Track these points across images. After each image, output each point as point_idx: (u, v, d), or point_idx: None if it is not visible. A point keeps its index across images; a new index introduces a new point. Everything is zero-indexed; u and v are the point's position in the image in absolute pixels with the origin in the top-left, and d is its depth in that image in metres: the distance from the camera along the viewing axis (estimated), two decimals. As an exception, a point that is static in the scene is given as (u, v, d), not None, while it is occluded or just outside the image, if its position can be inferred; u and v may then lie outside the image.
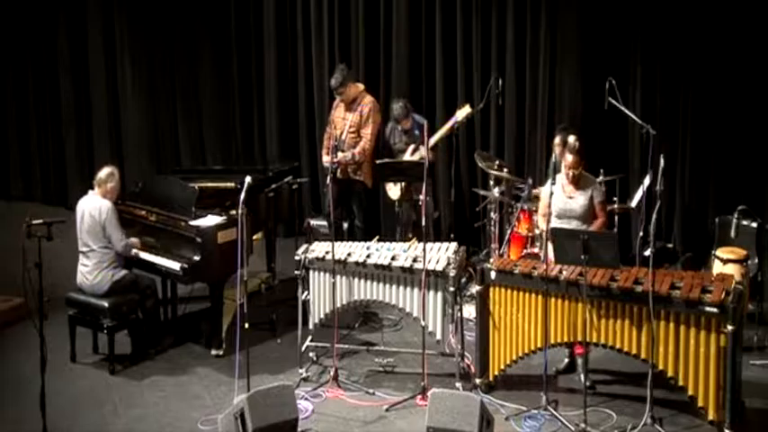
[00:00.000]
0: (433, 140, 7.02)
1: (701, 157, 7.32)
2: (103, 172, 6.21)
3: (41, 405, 5.09)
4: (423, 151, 7.02)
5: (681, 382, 5.14)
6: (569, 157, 5.69)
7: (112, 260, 6.11)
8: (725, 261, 6.29)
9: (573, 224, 5.67)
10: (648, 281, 5.10)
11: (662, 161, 5.36)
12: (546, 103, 7.68)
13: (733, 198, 6.92)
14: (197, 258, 6.15)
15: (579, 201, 5.72)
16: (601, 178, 6.58)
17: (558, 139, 6.77)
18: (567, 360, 5.89)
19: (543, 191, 5.92)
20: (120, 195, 6.35)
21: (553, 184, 5.64)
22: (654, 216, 5.20)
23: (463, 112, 7.15)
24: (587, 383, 5.68)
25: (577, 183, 5.74)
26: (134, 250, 6.27)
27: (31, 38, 9.64)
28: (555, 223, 5.75)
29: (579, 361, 5.74)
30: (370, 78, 8.12)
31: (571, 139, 5.80)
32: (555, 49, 7.63)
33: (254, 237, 6.90)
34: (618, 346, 5.29)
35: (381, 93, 8.19)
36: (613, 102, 6.76)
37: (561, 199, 5.74)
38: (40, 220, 5.14)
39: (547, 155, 7.36)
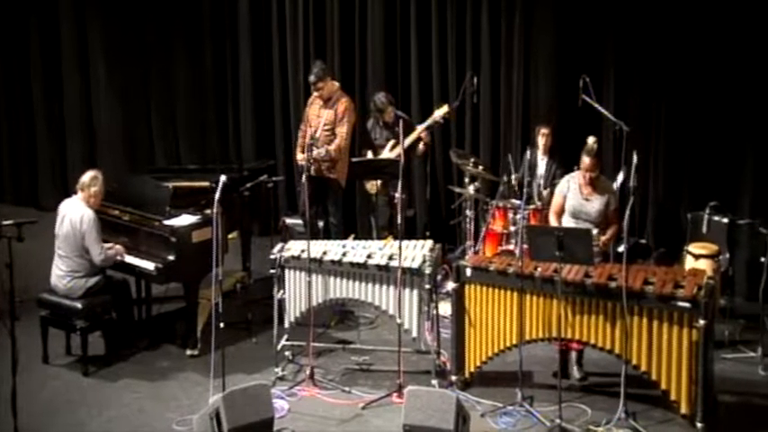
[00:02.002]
0: (408, 140, 7.03)
1: (674, 154, 7.39)
2: (87, 176, 6.13)
3: (13, 407, 5.04)
4: (408, 141, 7.03)
5: (654, 377, 5.20)
6: (586, 160, 5.68)
7: (87, 269, 6.05)
8: (697, 256, 6.36)
9: (585, 226, 5.63)
10: (622, 277, 5.15)
11: (635, 158, 5.40)
12: (521, 100, 7.72)
13: (704, 194, 7.01)
14: (171, 258, 6.13)
15: (595, 204, 5.74)
16: (574, 174, 6.62)
17: (543, 129, 6.86)
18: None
19: (559, 187, 5.91)
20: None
21: (560, 177, 5.59)
22: (627, 212, 5.24)
23: (440, 112, 7.17)
24: (579, 376, 5.76)
25: (594, 186, 5.74)
26: (118, 257, 6.20)
27: (1, 37, 9.52)
28: (568, 222, 5.79)
29: (573, 355, 5.77)
30: (345, 76, 8.12)
31: (590, 140, 5.81)
32: (530, 47, 7.68)
33: (230, 236, 6.88)
34: (592, 341, 5.34)
35: (357, 90, 8.20)
36: (587, 99, 6.81)
37: (578, 199, 5.76)
38: (11, 221, 5.08)
39: (521, 151, 7.41)
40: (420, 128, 7.18)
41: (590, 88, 6.78)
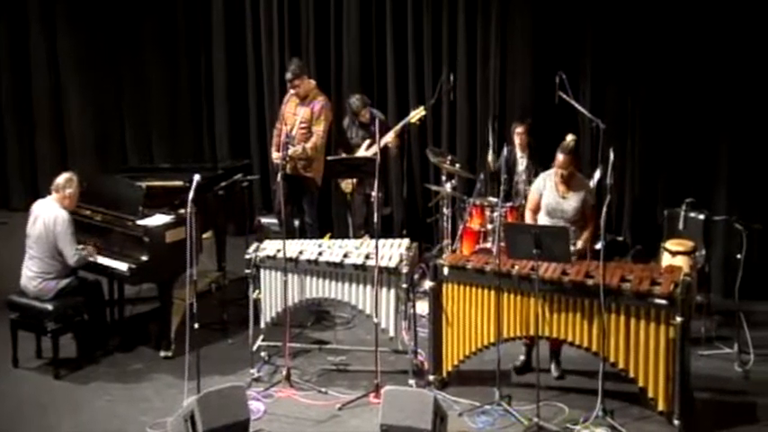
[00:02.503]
0: (384, 140, 7.01)
1: (650, 151, 7.43)
2: (62, 177, 6.07)
3: (-17, 412, 4.98)
4: (383, 141, 7.02)
5: (631, 374, 5.22)
6: (560, 157, 5.65)
7: (59, 270, 5.99)
8: (674, 253, 6.40)
9: (562, 224, 5.63)
10: (599, 274, 5.16)
11: (612, 155, 5.42)
12: (497, 97, 7.73)
13: (681, 191, 7.06)
14: (145, 258, 6.08)
15: (572, 202, 5.72)
16: (550, 172, 6.63)
17: (518, 129, 6.87)
18: (522, 358, 5.93)
19: (535, 184, 5.90)
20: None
21: (536, 175, 5.58)
22: (604, 210, 5.25)
23: (417, 114, 7.17)
24: (556, 374, 5.79)
25: (570, 184, 5.71)
26: (90, 258, 6.15)
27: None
28: (544, 220, 5.78)
29: (538, 351, 5.76)
30: (320, 74, 8.09)
31: (568, 138, 5.78)
32: (506, 44, 7.69)
33: (204, 235, 6.85)
34: (570, 339, 5.35)
35: (332, 88, 8.18)
36: (564, 96, 6.84)
37: (554, 197, 5.74)
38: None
39: (498, 149, 7.42)
40: (393, 131, 7.16)
41: (566, 85, 6.80)
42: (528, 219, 5.94)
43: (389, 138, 7.16)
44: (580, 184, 5.79)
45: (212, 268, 7.29)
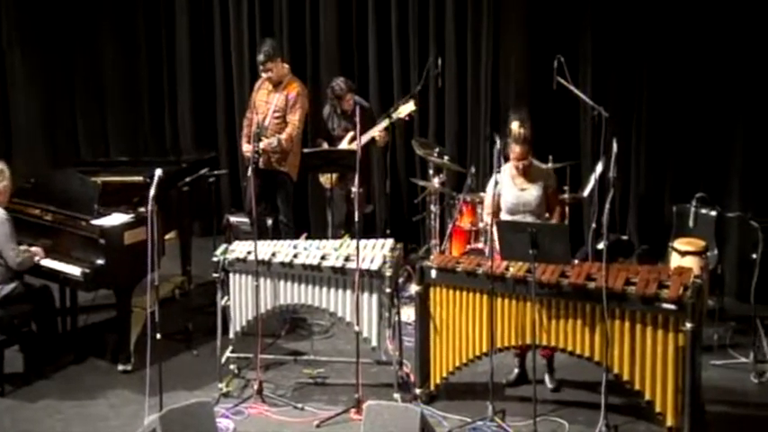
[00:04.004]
0: (366, 138, 7.02)
1: (657, 142, 7.47)
2: None
3: None
4: (367, 137, 7.02)
5: (637, 386, 5.24)
6: (516, 149, 5.66)
7: (2, 274, 5.96)
8: (683, 253, 6.44)
9: (527, 219, 5.69)
10: (602, 277, 5.19)
11: (615, 146, 5.44)
12: (489, 84, 7.75)
13: (691, 185, 7.11)
14: (100, 262, 6.06)
15: (533, 191, 5.74)
16: (550, 165, 6.67)
17: (513, 125, 6.86)
18: (517, 370, 5.95)
19: (488, 187, 5.90)
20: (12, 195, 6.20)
21: (498, 172, 5.61)
22: (607, 206, 5.27)
23: (406, 109, 7.17)
24: (551, 386, 5.80)
25: (527, 174, 5.76)
26: (36, 258, 6.12)
27: None
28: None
29: (535, 362, 5.79)
30: (295, 58, 8.09)
31: (515, 126, 5.65)
32: (498, 25, 7.70)
33: (167, 236, 6.85)
34: (569, 348, 5.37)
35: (308, 73, 8.18)
36: (562, 82, 6.86)
37: (512, 192, 5.76)
38: None
39: (491, 141, 7.44)
40: (380, 126, 7.17)
41: (565, 70, 6.82)
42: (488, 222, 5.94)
43: (377, 132, 7.16)
44: (538, 172, 5.81)
45: (176, 272, 7.29)
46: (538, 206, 5.75)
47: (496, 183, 5.66)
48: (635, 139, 7.53)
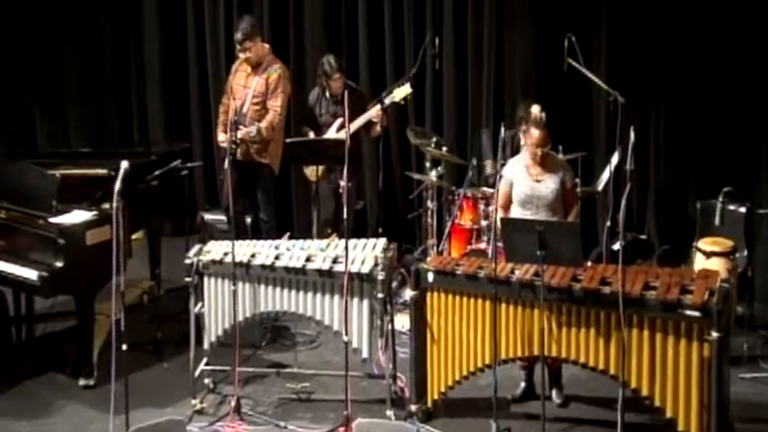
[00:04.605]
0: (357, 124, 7.02)
1: (679, 130, 7.48)
2: None
3: None
4: (358, 123, 7.01)
5: (657, 402, 5.24)
6: (535, 133, 5.66)
7: None
8: (708, 254, 6.45)
9: (541, 214, 5.69)
10: (618, 280, 5.18)
11: (632, 135, 5.43)
12: (492, 66, 7.76)
13: (717, 178, 7.11)
14: (59, 264, 6.05)
15: (549, 184, 5.75)
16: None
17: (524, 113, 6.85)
18: (523, 384, 5.95)
19: (503, 175, 5.89)
20: None
21: (503, 163, 5.62)
22: (624, 201, 5.26)
23: (402, 92, 7.16)
24: (559, 401, 5.81)
25: (545, 164, 5.76)
26: None
27: None
28: (517, 214, 5.79)
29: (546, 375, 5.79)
30: (276, 37, 8.08)
31: (535, 109, 5.74)
32: (502, 0, 7.69)
33: (134, 236, 6.85)
34: (582, 360, 5.36)
35: (291, 54, 8.17)
36: (573, 63, 6.86)
37: (526, 183, 5.76)
38: None
39: (495, 130, 7.43)
40: (374, 109, 7.16)
41: (577, 50, 6.82)
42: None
43: (374, 113, 7.14)
44: (556, 163, 5.84)
45: (144, 276, 7.29)
46: (554, 200, 5.75)
47: (500, 177, 5.66)
48: (654, 127, 7.54)
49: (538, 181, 5.77)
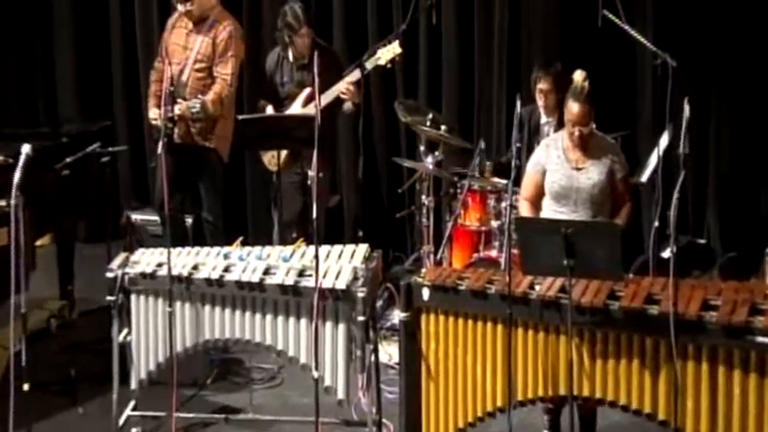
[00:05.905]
0: (329, 96, 7.06)
1: (747, 104, 7.52)
2: None
3: None
4: (332, 94, 7.02)
5: (720, 455, 5.27)
6: (574, 108, 5.70)
7: None
8: (786, 264, 6.49)
9: (580, 213, 5.73)
10: (668, 298, 5.19)
11: (687, 109, 5.45)
12: (505, 23, 7.80)
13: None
14: (-58, 279, 6.04)
15: (592, 174, 5.78)
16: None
17: (541, 83, 6.87)
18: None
19: (532, 159, 5.95)
20: None
21: (518, 146, 5.61)
22: (676, 195, 5.28)
23: (389, 53, 7.16)
24: None
25: (587, 147, 5.79)
26: None
27: None
28: (549, 211, 5.83)
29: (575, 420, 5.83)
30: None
31: (578, 76, 5.77)
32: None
33: (38, 242, 6.86)
34: (622, 401, 5.36)
35: (244, 5, 8.19)
36: (611, 17, 6.88)
37: (564, 171, 5.79)
38: None
39: (508, 106, 7.45)
40: (343, 81, 7.16)
41: (617, 1, 6.84)
42: (524, 213, 5.99)
43: (344, 86, 7.15)
44: (602, 147, 5.85)
45: (52, 294, 7.30)
46: (598, 195, 5.77)
47: (516, 163, 5.66)
48: (716, 101, 7.59)
49: (578, 169, 5.78)
